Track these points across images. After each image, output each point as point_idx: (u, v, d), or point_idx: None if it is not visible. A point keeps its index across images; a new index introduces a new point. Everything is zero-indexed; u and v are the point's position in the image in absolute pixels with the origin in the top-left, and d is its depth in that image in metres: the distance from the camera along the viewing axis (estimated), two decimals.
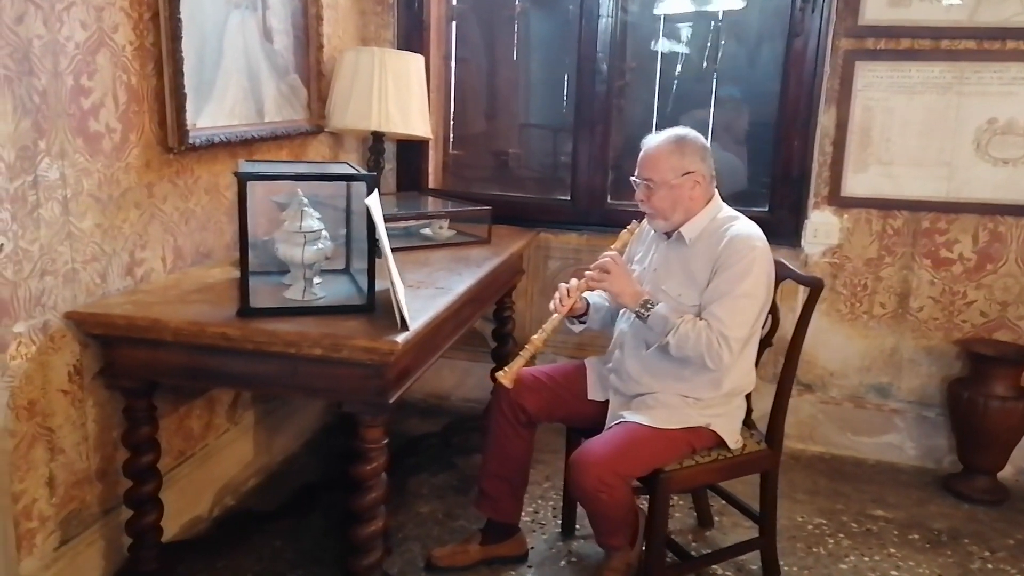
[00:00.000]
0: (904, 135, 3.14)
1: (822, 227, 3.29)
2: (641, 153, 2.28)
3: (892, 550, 2.70)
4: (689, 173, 2.22)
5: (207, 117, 2.52)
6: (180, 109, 2.36)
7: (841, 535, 2.79)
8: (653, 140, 2.27)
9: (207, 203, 2.60)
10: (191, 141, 2.42)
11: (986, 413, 2.96)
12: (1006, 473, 3.13)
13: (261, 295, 2.12)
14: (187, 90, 2.36)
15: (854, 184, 3.23)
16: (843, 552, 2.68)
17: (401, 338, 1.88)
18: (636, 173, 2.29)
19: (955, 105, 3.07)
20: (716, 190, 2.32)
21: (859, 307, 3.32)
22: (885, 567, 2.60)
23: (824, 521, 2.87)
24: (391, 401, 1.95)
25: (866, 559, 2.64)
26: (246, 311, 2.01)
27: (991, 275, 3.17)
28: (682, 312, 2.20)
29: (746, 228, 2.22)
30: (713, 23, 3.64)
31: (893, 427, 3.37)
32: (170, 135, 2.35)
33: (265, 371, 2.00)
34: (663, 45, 3.66)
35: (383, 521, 2.07)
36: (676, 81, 3.71)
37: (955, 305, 3.22)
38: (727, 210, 2.30)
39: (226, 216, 2.68)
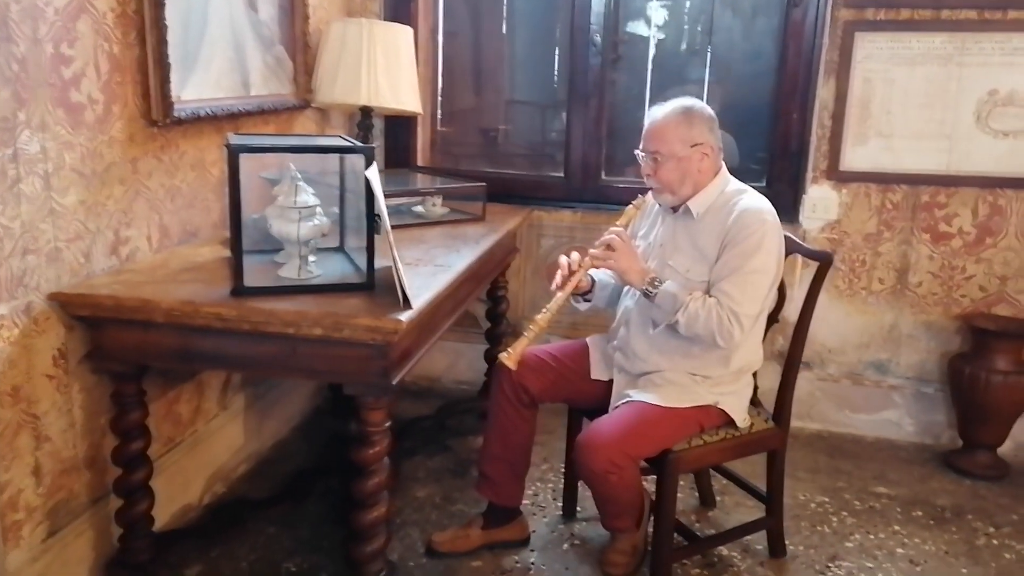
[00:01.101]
0: (904, 107, 3.09)
1: (820, 202, 3.24)
2: (646, 124, 2.21)
3: (897, 527, 2.67)
4: (698, 144, 2.16)
5: (192, 89, 2.41)
6: (164, 80, 2.25)
7: (845, 513, 2.75)
8: (659, 111, 2.19)
9: (193, 180, 2.50)
10: (176, 114, 2.31)
11: (988, 388, 2.93)
12: (1006, 448, 3.12)
13: (254, 274, 2.02)
14: (171, 60, 2.25)
15: (853, 158, 3.18)
16: (848, 530, 2.65)
17: (405, 316, 1.81)
18: (641, 146, 2.22)
19: (956, 76, 3.03)
20: (723, 163, 2.25)
21: (857, 283, 3.29)
22: (891, 544, 2.57)
23: (827, 499, 2.84)
24: (394, 383, 1.88)
25: (871, 537, 2.61)
26: (241, 290, 1.92)
27: (991, 249, 3.14)
28: (690, 289, 2.14)
29: (756, 201, 2.16)
30: None
31: (891, 403, 3.34)
32: (154, 107, 2.24)
33: (262, 352, 1.92)
34: (657, 17, 3.59)
35: (386, 506, 2.00)
36: (670, 54, 3.64)
37: (954, 280, 3.19)
38: (735, 183, 2.24)
39: (213, 194, 2.58)
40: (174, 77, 2.28)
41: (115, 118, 2.13)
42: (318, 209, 2.04)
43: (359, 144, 2.03)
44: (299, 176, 2.03)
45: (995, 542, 2.61)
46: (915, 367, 3.30)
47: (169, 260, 2.26)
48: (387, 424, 1.94)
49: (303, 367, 1.91)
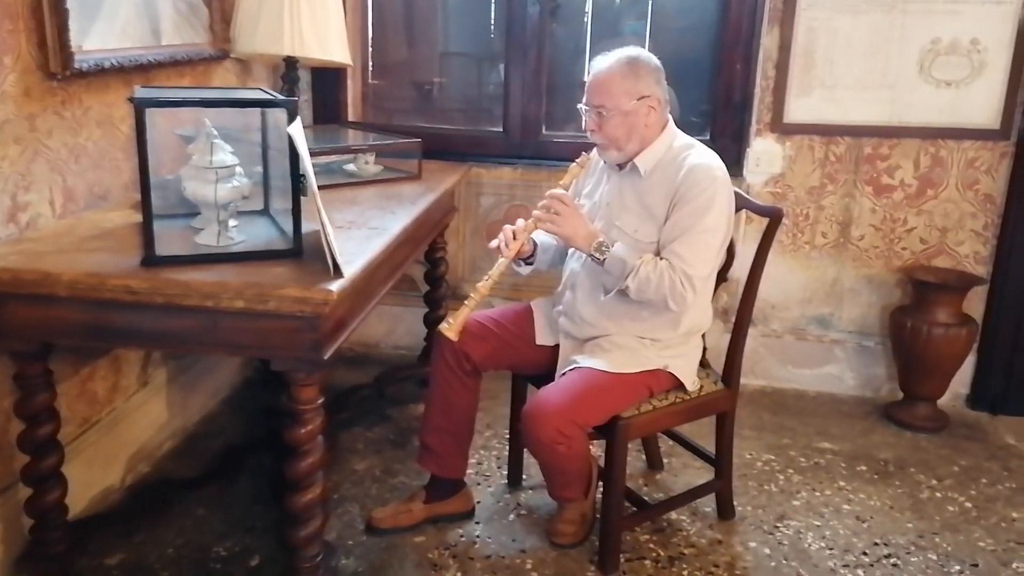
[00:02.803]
0: (848, 57, 3.03)
1: (764, 155, 3.17)
2: (590, 77, 2.09)
3: (842, 483, 2.67)
4: (644, 98, 2.04)
5: (95, 38, 2.20)
6: (63, 28, 2.04)
7: (791, 470, 2.74)
8: (603, 62, 2.07)
9: (100, 138, 2.29)
10: (77, 66, 2.10)
11: (929, 341, 2.93)
12: (944, 400, 3.14)
13: (168, 241, 1.86)
14: (70, 6, 2.04)
15: (797, 110, 3.11)
16: (794, 488, 2.63)
17: (336, 286, 1.67)
18: (585, 99, 2.09)
19: (899, 24, 2.97)
20: (670, 116, 2.15)
21: (801, 237, 3.25)
22: (837, 501, 2.56)
23: (773, 457, 2.82)
24: (326, 357, 1.74)
25: (817, 494, 2.60)
26: (152, 259, 1.76)
27: (931, 201, 3.12)
28: (640, 250, 2.04)
29: (705, 157, 2.06)
30: None
31: (833, 358, 3.34)
32: (52, 59, 2.03)
33: (179, 327, 1.76)
34: None
35: (322, 487, 1.87)
36: (608, 4, 3.50)
37: (895, 233, 3.18)
38: (683, 137, 2.14)
39: (123, 152, 2.37)
40: (74, 25, 2.07)
41: (7, 71, 1.92)
42: (237, 169, 1.87)
43: (281, 97, 1.86)
44: (215, 133, 1.86)
45: (938, 495, 2.62)
46: (856, 321, 3.29)
47: (75, 227, 2.07)
48: (319, 401, 1.81)
49: (225, 342, 1.75)
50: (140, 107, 1.70)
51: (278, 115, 1.87)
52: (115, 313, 1.75)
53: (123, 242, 1.92)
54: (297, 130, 1.73)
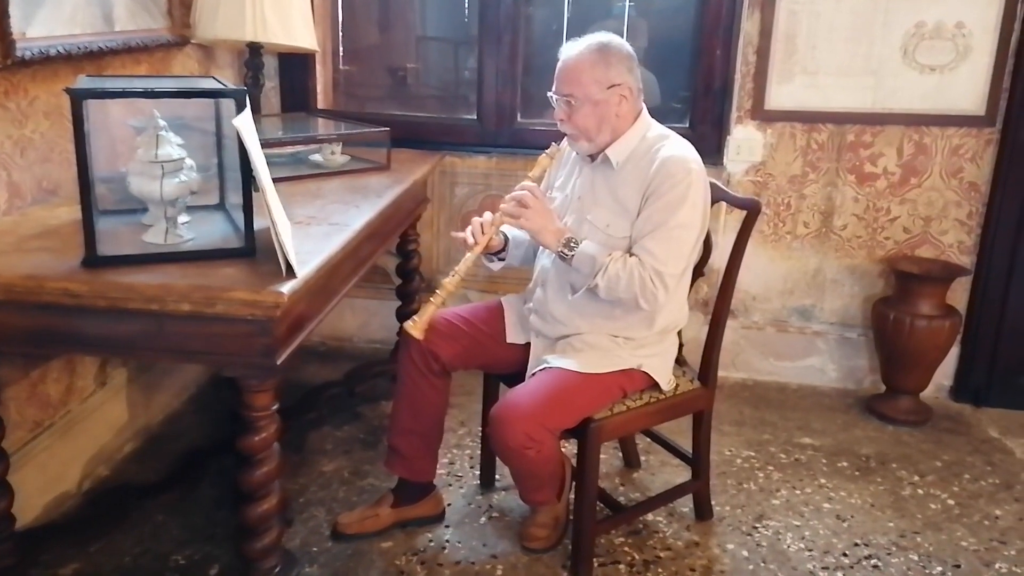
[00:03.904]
0: (831, 42, 2.94)
1: (745, 143, 3.09)
2: (559, 65, 1.99)
3: (823, 480, 2.60)
4: (615, 86, 1.95)
5: (40, 25, 2.10)
6: (2, 14, 1.94)
7: (771, 467, 2.67)
8: (573, 49, 1.97)
9: (48, 129, 2.19)
10: (20, 54, 2.00)
11: (912, 333, 2.87)
12: (927, 392, 3.08)
13: (115, 239, 1.77)
14: None
15: (778, 96, 3.03)
16: (774, 486, 2.56)
17: (287, 288, 1.58)
18: (554, 88, 2.00)
19: (883, 8, 2.88)
20: (644, 105, 2.06)
21: (782, 227, 3.17)
22: (817, 499, 2.50)
23: (752, 453, 2.75)
24: (280, 362, 1.66)
25: (798, 492, 2.53)
26: (94, 260, 1.66)
27: (915, 189, 3.05)
28: (610, 247, 1.96)
29: (679, 148, 1.97)
30: None
31: (815, 350, 3.27)
32: None
33: (124, 332, 1.66)
34: None
35: (278, 497, 1.79)
36: None
37: (878, 222, 3.10)
38: (657, 127, 2.05)
39: (73, 144, 2.25)
40: (15, 11, 1.98)
41: None
42: (186, 162, 1.78)
43: (229, 86, 1.76)
44: (163, 124, 1.76)
45: (920, 491, 2.56)
46: (838, 312, 3.23)
47: (19, 224, 1.97)
48: (274, 407, 1.73)
49: (172, 348, 1.66)
50: (77, 98, 1.60)
51: (227, 105, 1.76)
52: (56, 318, 1.66)
53: (67, 241, 1.82)
54: (245, 121, 1.63)
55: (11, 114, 2.05)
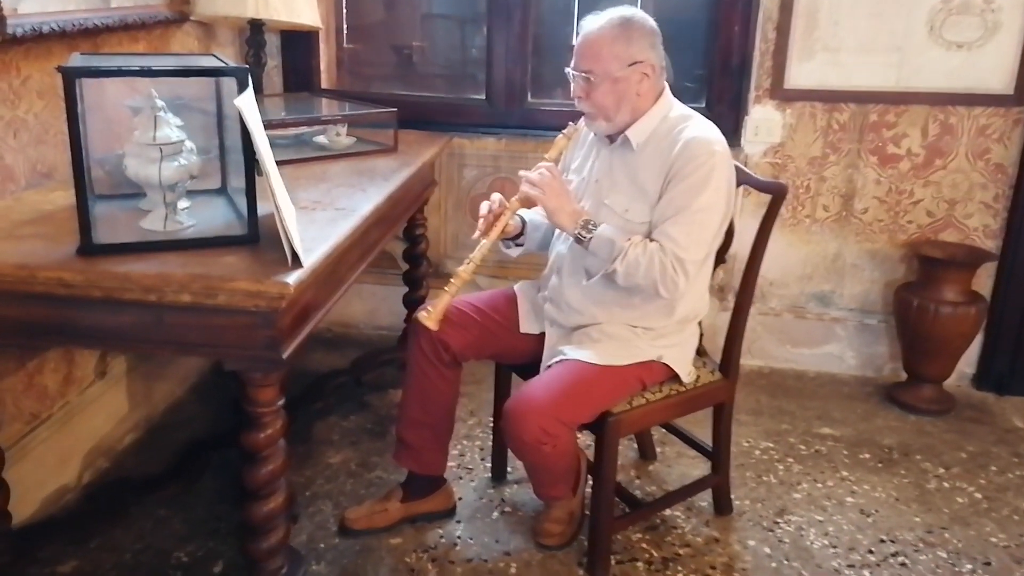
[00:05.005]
0: (853, 17, 2.83)
1: (763, 124, 2.99)
2: (578, 39, 1.89)
3: (845, 472, 2.52)
4: (637, 63, 1.85)
5: (33, 1, 2.00)
6: None
7: (790, 459, 2.59)
8: (594, 23, 1.87)
9: (42, 110, 2.10)
10: (12, 31, 1.91)
11: (937, 320, 2.78)
12: (949, 380, 2.99)
13: (112, 226, 1.69)
14: None
15: (798, 74, 2.92)
16: (794, 479, 2.48)
17: (293, 278, 1.49)
18: (572, 64, 1.90)
19: None
20: (667, 84, 1.96)
21: (801, 211, 3.07)
22: (840, 493, 2.42)
23: (771, 444, 2.67)
24: (285, 356, 1.57)
25: (819, 485, 2.45)
26: (89, 248, 1.57)
27: (940, 171, 2.95)
28: (629, 231, 1.87)
29: (703, 130, 1.88)
30: None
31: (833, 337, 3.19)
32: None
33: (121, 324, 1.58)
34: None
35: (284, 495, 1.71)
36: None
37: (901, 205, 3.01)
38: (679, 107, 1.96)
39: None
40: None
41: None
42: (186, 145, 1.68)
43: (229, 64, 1.66)
44: (161, 105, 1.67)
45: (946, 484, 2.48)
46: (858, 298, 3.14)
47: (12, 209, 1.88)
48: (280, 403, 1.64)
49: (172, 340, 1.58)
50: (70, 77, 1.51)
51: (229, 84, 1.67)
52: (50, 308, 1.58)
53: (61, 227, 1.74)
54: (247, 101, 1.54)
55: (3, 94, 1.97)
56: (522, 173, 1.93)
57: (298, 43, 3.18)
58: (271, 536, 1.71)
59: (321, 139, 2.58)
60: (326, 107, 2.90)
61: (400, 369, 2.90)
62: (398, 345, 3.03)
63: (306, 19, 2.68)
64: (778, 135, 2.99)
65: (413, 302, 2.97)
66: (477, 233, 1.93)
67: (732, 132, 3.00)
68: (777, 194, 2.03)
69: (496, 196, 1.95)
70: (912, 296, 2.85)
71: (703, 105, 3.06)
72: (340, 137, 2.56)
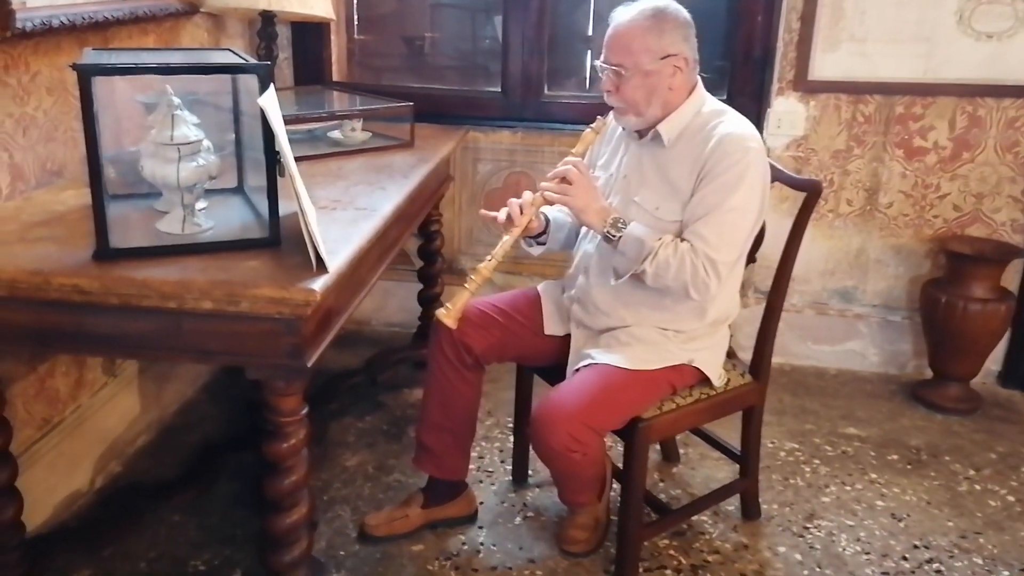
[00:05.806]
0: (880, 7, 2.75)
1: (786, 116, 2.92)
2: (609, 31, 1.83)
3: (873, 475, 2.47)
4: (669, 56, 1.79)
5: None
6: None
7: (817, 461, 2.54)
8: (625, 14, 1.81)
9: (52, 106, 2.03)
10: (20, 25, 1.84)
11: (965, 317, 2.72)
12: (975, 379, 2.94)
13: (128, 228, 1.63)
14: None
15: (823, 65, 2.84)
16: (822, 481, 2.43)
17: (319, 284, 1.43)
18: (603, 57, 1.84)
19: None
20: (699, 77, 1.89)
21: (824, 205, 3.01)
22: (870, 496, 2.36)
23: (796, 446, 2.62)
24: (310, 364, 1.51)
25: (848, 488, 2.40)
26: (106, 253, 1.52)
27: (967, 164, 2.88)
28: (660, 230, 1.81)
29: (738, 126, 1.82)
30: None
31: (856, 333, 3.13)
32: None
33: (138, 331, 1.52)
34: None
35: (307, 507, 1.66)
36: None
37: (927, 199, 2.94)
38: (712, 102, 1.89)
39: (79, 122, 2.04)
40: None
41: None
42: (204, 144, 1.62)
43: (251, 61, 1.60)
44: (178, 103, 1.60)
45: (977, 487, 2.42)
46: (882, 294, 3.07)
47: (22, 210, 1.82)
48: (303, 412, 1.59)
49: (191, 348, 1.52)
50: (85, 75, 1.45)
51: (250, 81, 1.60)
52: (65, 315, 1.52)
53: (74, 229, 1.68)
54: (270, 101, 1.47)
55: (12, 90, 1.90)
56: (550, 174, 1.86)
57: (309, 34, 3.11)
58: (294, 548, 1.66)
59: (336, 134, 2.51)
60: (339, 100, 2.83)
61: (415, 367, 2.86)
62: (412, 343, 2.97)
63: (319, 10, 2.62)
64: (801, 128, 2.92)
65: (428, 299, 2.92)
66: (502, 217, 1.85)
67: (754, 125, 2.92)
68: (811, 192, 1.98)
69: (527, 195, 1.88)
70: (940, 293, 2.78)
71: (724, 97, 2.96)
72: (355, 132, 2.50)
